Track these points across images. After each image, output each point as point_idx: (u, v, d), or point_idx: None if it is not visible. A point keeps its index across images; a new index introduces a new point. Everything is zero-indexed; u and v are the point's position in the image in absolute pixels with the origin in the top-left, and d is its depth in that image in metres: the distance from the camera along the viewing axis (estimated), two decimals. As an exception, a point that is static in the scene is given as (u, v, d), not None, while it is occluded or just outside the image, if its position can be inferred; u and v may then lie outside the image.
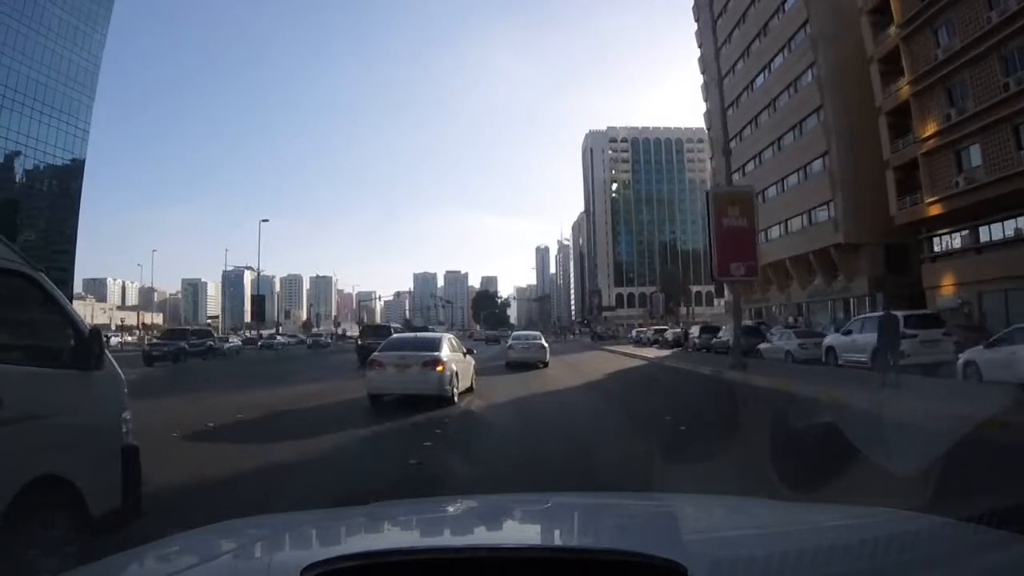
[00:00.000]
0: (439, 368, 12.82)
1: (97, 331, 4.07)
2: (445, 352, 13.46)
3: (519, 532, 2.14)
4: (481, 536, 2.03)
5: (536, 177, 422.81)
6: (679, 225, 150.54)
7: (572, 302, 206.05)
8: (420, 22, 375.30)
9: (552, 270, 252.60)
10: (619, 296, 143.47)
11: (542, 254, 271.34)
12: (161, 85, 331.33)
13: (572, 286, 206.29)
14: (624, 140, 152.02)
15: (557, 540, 2.01)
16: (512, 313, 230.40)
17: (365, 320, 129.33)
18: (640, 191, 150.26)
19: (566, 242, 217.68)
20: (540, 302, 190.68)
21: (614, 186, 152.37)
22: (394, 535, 2.11)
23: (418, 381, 12.73)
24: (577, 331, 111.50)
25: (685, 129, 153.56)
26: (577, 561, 1.45)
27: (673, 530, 1.91)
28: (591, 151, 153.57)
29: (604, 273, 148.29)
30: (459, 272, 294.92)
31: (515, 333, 35.69)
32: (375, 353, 13.80)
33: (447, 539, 2.00)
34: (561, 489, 4.82)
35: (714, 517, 2.27)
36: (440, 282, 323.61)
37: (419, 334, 19.37)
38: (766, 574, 1.43)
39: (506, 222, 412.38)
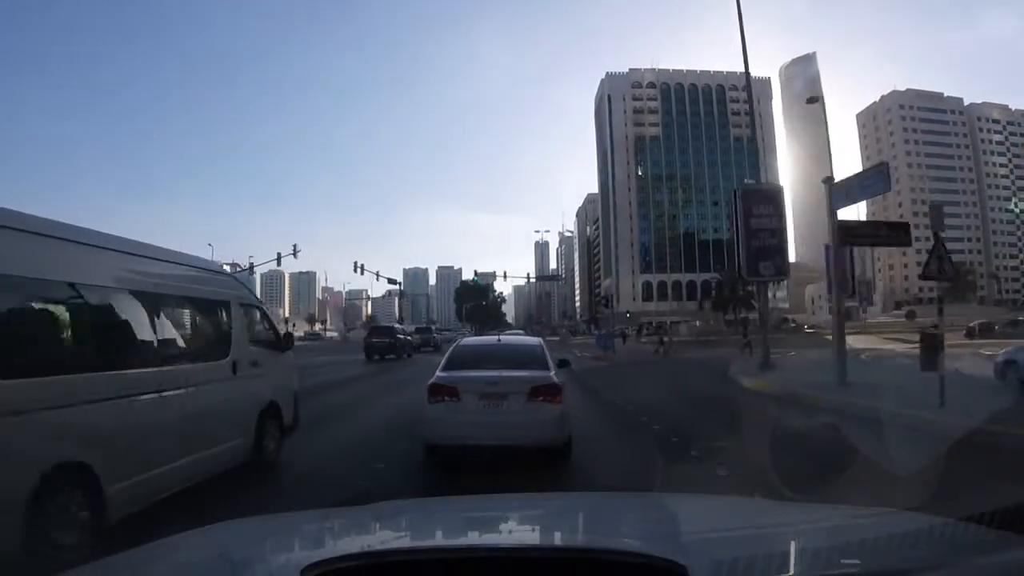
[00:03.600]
0: (557, 399, 6.72)
1: (289, 333, 8.31)
2: (555, 370, 7.36)
3: (519, 532, 2.02)
4: (481, 536, 1.93)
5: (535, 174, 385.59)
6: (723, 193, 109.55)
7: (577, 296, 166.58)
8: (409, 12, 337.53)
9: (553, 265, 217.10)
10: (646, 285, 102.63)
11: (541, 249, 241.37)
12: (147, 77, 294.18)
13: (577, 279, 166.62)
14: (651, 85, 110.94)
15: (557, 540, 1.91)
16: (509, 311, 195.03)
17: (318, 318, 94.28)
18: (673, 151, 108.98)
19: (568, 233, 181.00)
20: (547, 283, 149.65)
21: (632, 168, 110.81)
22: (394, 535, 1.99)
23: (521, 424, 6.54)
24: (636, 331, 55.07)
25: (728, 73, 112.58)
26: (577, 561, 1.38)
27: (673, 530, 1.82)
28: (608, 100, 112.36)
29: (627, 256, 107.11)
30: (452, 267, 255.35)
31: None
32: (440, 374, 7.22)
33: (447, 539, 1.90)
34: None
35: (714, 517, 2.11)
36: (432, 279, 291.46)
37: (502, 339, 9.64)
38: (766, 574, 1.36)
39: (502, 219, 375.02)
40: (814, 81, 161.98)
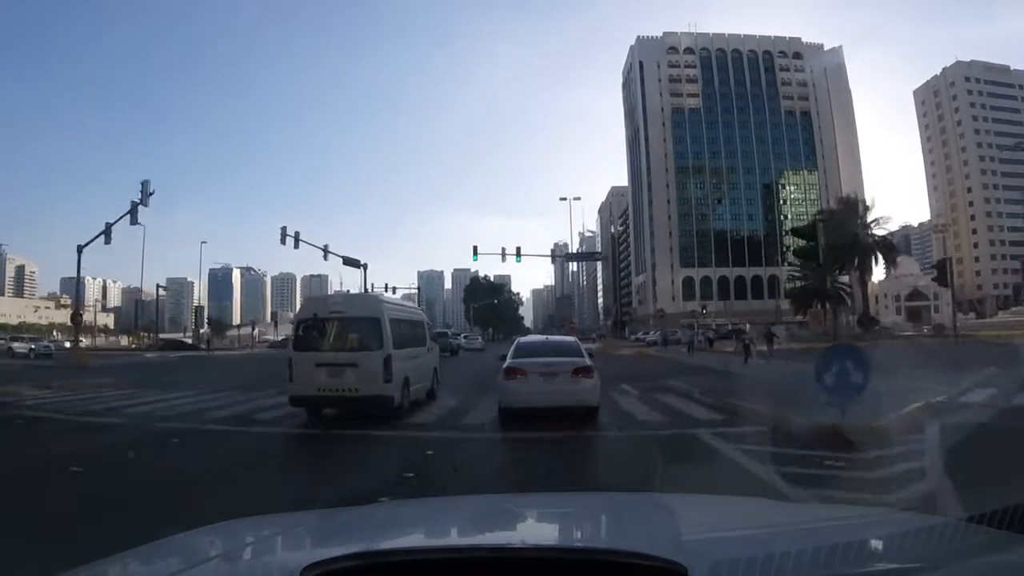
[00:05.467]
0: (591, 376, 10.54)
1: (434, 335, 16.49)
2: (588, 357, 11.21)
3: (520, 532, 2.01)
4: (482, 536, 1.91)
5: (551, 177, 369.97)
6: (773, 175, 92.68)
7: (600, 298, 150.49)
8: (422, 16, 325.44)
9: (573, 267, 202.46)
10: (687, 282, 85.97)
11: (561, 250, 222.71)
12: (158, 85, 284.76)
13: (599, 281, 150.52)
14: (689, 51, 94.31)
15: (557, 540, 1.89)
16: (527, 315, 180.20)
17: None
18: (715, 125, 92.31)
19: (590, 233, 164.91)
20: (566, 287, 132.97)
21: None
22: (394, 535, 1.95)
23: (568, 392, 10.34)
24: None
25: (776, 38, 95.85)
26: (578, 561, 1.38)
27: (673, 530, 1.81)
28: (639, 68, 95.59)
29: (664, 248, 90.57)
30: (468, 270, 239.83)
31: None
32: (513, 361, 11.10)
33: (448, 539, 1.88)
34: None
35: (714, 517, 2.09)
36: (448, 283, 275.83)
37: (549, 338, 16.07)
38: (766, 574, 1.33)
39: (520, 223, 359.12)
40: (839, 72, 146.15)
